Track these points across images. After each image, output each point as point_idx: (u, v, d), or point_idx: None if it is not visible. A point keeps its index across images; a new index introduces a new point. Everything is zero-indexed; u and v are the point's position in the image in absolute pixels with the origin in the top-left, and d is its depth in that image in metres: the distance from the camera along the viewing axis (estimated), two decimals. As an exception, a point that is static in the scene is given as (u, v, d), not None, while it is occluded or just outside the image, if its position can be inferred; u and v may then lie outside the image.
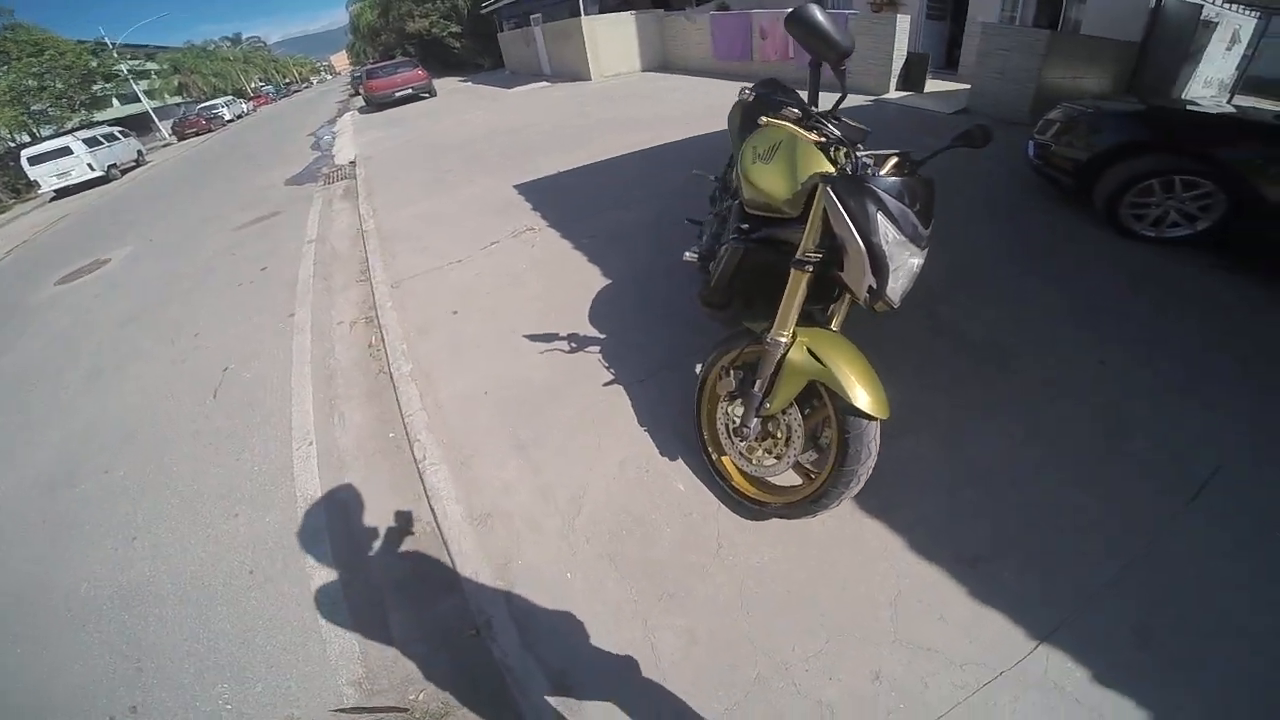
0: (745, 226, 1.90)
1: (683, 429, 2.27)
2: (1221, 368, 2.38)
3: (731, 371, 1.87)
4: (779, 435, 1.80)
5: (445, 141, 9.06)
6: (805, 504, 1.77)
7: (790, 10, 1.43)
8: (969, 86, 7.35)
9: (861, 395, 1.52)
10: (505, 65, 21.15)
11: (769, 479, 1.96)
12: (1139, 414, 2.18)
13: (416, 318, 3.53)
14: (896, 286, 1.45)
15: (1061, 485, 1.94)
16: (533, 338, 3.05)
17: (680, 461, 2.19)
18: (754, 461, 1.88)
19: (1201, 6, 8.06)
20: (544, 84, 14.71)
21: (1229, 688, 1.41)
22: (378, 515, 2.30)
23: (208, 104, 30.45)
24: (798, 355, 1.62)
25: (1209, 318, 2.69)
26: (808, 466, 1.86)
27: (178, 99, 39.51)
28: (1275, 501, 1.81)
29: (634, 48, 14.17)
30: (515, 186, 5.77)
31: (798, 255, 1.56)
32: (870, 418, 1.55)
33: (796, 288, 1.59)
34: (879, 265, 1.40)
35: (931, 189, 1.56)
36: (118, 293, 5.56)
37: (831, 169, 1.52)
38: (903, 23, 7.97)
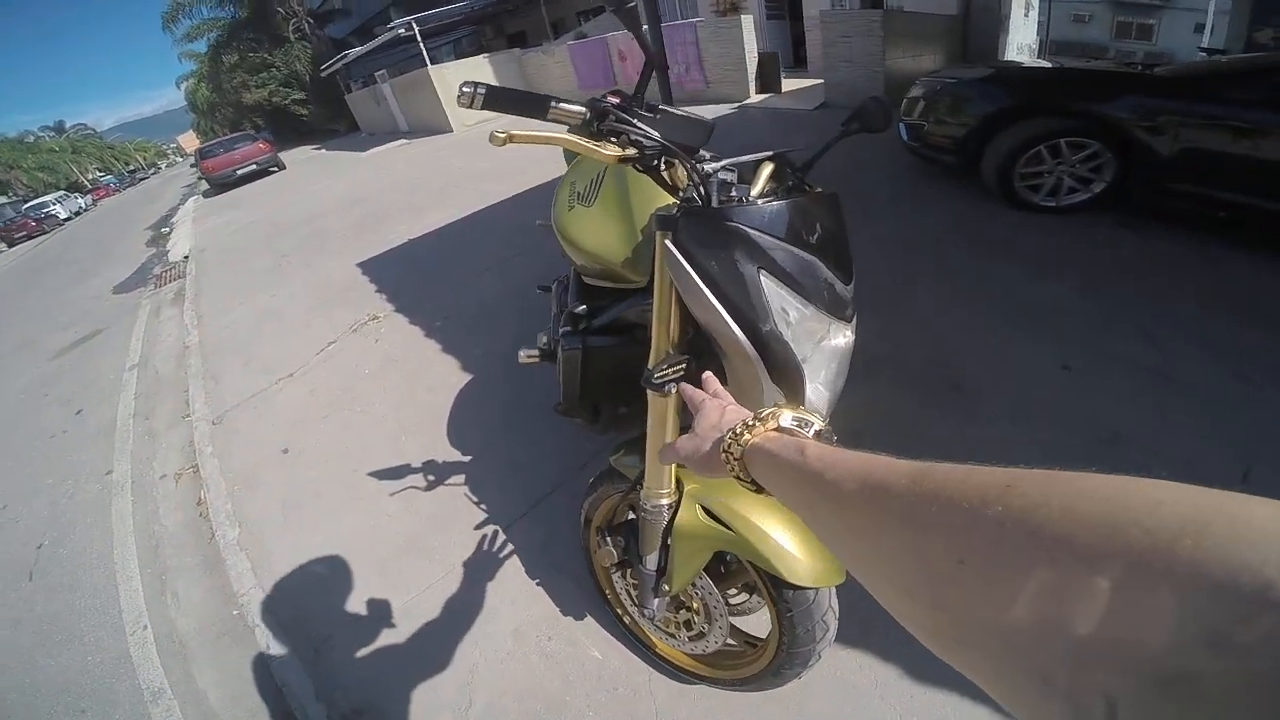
0: (581, 310, 1.32)
1: (583, 573, 1.73)
2: (1178, 333, 2.27)
3: (609, 539, 1.21)
4: (694, 607, 1.23)
5: (289, 219, 8.06)
6: (764, 677, 1.22)
7: None
8: (823, 80, 7.37)
9: (795, 565, 0.93)
10: (361, 127, 20.04)
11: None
12: (1127, 418, 1.94)
13: (241, 463, 2.83)
14: (821, 391, 0.86)
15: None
16: (381, 475, 2.41)
17: (590, 619, 1.67)
18: (677, 637, 1.31)
19: (998, -28, 8.57)
20: (402, 141, 13.86)
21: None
22: (234, 713, 1.81)
23: (35, 202, 27.29)
24: (689, 519, 1.01)
25: (1146, 279, 2.62)
26: (746, 633, 1.34)
27: (1, 199, 35.49)
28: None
29: (493, 90, 13.65)
30: (359, 264, 5.02)
31: (649, 368, 0.89)
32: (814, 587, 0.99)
33: (662, 419, 0.92)
34: (782, 367, 0.81)
35: (836, 210, 0.90)
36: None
37: (673, 200, 0.89)
38: (748, 23, 7.96)
